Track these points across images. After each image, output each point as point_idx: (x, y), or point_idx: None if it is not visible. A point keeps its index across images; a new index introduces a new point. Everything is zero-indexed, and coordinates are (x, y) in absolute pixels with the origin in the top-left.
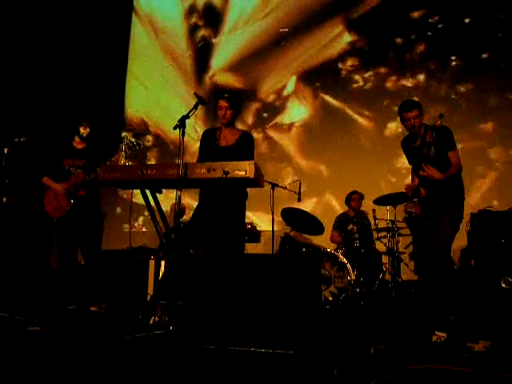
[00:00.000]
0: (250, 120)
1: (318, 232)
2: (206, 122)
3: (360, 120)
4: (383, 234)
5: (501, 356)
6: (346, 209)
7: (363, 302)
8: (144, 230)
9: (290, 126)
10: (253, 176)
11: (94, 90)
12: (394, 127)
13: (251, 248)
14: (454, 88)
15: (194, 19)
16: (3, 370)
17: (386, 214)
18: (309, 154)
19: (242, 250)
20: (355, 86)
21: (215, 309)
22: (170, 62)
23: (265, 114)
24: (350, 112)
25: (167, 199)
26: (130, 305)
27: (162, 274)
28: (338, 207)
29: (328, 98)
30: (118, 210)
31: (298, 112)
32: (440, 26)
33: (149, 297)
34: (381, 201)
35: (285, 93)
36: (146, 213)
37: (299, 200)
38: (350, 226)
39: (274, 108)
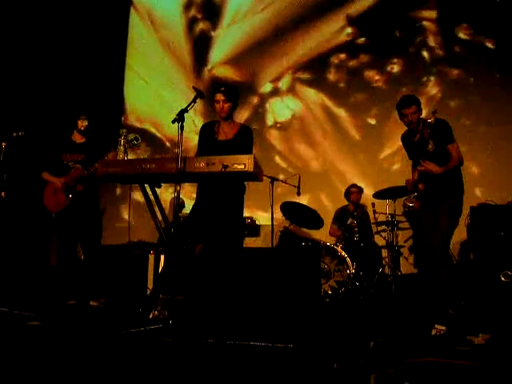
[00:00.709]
0: (245, 114)
1: (318, 226)
2: (205, 116)
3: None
4: (382, 227)
5: (500, 349)
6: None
7: (363, 295)
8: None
9: (280, 122)
10: (252, 170)
11: (92, 84)
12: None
13: (251, 242)
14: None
15: (192, 12)
16: (3, 364)
17: (385, 207)
18: (298, 150)
19: (241, 244)
20: (351, 80)
21: (215, 303)
22: (168, 56)
23: (260, 109)
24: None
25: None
26: (129, 299)
27: (162, 269)
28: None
29: (322, 95)
30: (116, 204)
31: (290, 107)
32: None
33: (148, 291)
34: (380, 195)
35: (280, 87)
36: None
37: (298, 194)
38: (350, 220)
39: (267, 102)
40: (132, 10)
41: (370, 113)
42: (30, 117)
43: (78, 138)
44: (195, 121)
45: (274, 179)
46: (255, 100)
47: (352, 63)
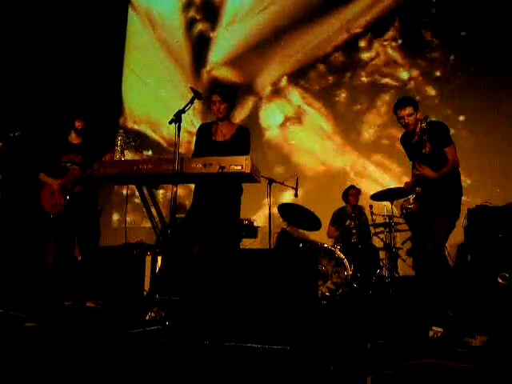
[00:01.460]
0: (244, 115)
1: (315, 227)
2: (204, 116)
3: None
4: (380, 229)
5: (498, 351)
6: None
7: (360, 297)
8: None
9: (279, 123)
10: (249, 171)
11: (89, 84)
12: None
13: (248, 244)
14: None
15: (191, 13)
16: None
17: (383, 209)
18: (297, 151)
19: (238, 245)
20: (349, 82)
21: (211, 304)
22: (167, 57)
23: (258, 110)
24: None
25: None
26: (126, 300)
27: (159, 270)
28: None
29: (320, 96)
30: (114, 204)
31: (288, 108)
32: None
33: (145, 292)
34: (378, 196)
35: (278, 89)
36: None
37: (296, 195)
38: (348, 222)
39: (266, 103)
40: (130, 10)
41: (368, 114)
42: (26, 117)
43: (75, 139)
44: (193, 121)
45: (271, 181)
46: (254, 101)
47: (351, 65)
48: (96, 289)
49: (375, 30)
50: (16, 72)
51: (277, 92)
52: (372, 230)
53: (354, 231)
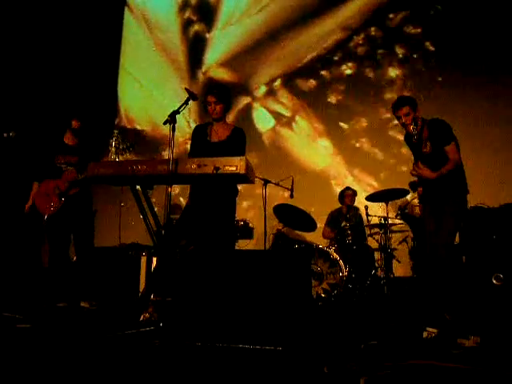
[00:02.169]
0: (239, 116)
1: (311, 229)
2: (199, 118)
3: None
4: (375, 230)
5: (491, 352)
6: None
7: (355, 298)
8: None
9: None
10: (244, 172)
11: (85, 85)
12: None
13: (244, 245)
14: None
15: (187, 14)
16: None
17: (378, 210)
18: (292, 152)
19: (233, 246)
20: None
21: (205, 305)
22: (163, 58)
23: (253, 111)
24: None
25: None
26: (121, 302)
27: (153, 271)
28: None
29: (316, 97)
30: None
31: (283, 109)
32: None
33: (140, 293)
34: (373, 197)
35: (273, 89)
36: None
37: (291, 196)
38: (343, 223)
39: (261, 104)
40: (126, 11)
41: (365, 116)
42: (21, 118)
43: (70, 140)
44: (190, 122)
45: (266, 181)
46: (249, 102)
47: (345, 66)
48: (90, 290)
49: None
50: (11, 73)
51: (271, 93)
52: (367, 230)
53: (349, 232)
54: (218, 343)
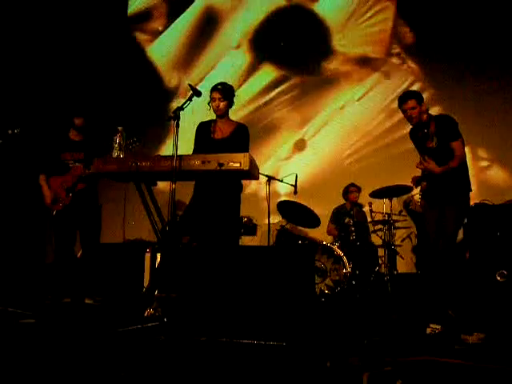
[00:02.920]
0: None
1: (314, 225)
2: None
3: None
4: (379, 226)
5: (495, 348)
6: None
7: (359, 294)
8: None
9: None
10: (247, 168)
11: (90, 81)
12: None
13: (248, 241)
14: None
15: None
16: None
17: (382, 206)
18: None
19: (237, 242)
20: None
21: (209, 301)
22: None
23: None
24: None
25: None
26: (125, 297)
27: (157, 267)
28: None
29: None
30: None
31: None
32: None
33: (144, 289)
34: (377, 194)
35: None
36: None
37: (295, 193)
38: (347, 219)
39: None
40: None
41: (370, 111)
42: (26, 114)
43: (75, 136)
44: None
45: (270, 178)
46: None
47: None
48: (95, 286)
49: None
50: (15, 69)
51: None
52: (371, 227)
53: (352, 229)
54: (222, 338)
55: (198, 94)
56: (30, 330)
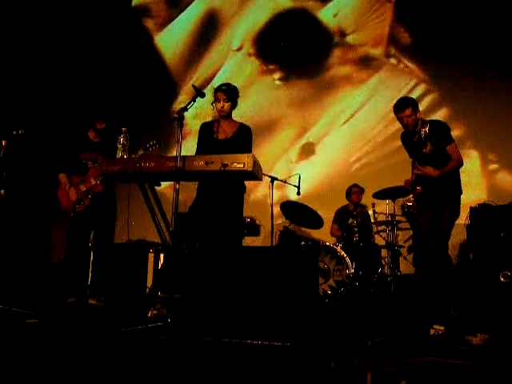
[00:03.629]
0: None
1: (318, 226)
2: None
3: None
4: (382, 227)
5: (498, 349)
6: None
7: (362, 295)
8: None
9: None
10: (251, 169)
11: (99, 82)
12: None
13: (251, 242)
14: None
15: None
16: (1, 362)
17: (385, 207)
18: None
19: (240, 243)
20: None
21: (213, 301)
22: None
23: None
24: None
25: None
26: (129, 298)
27: (160, 267)
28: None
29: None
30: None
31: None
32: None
33: (148, 290)
34: (380, 194)
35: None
36: None
37: (298, 193)
38: (350, 220)
39: None
40: None
41: (373, 110)
42: (35, 115)
43: (94, 137)
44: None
45: (273, 178)
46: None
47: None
48: (98, 286)
49: None
50: (26, 68)
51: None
52: (374, 228)
53: (355, 229)
54: (227, 338)
55: (201, 95)
56: (35, 329)
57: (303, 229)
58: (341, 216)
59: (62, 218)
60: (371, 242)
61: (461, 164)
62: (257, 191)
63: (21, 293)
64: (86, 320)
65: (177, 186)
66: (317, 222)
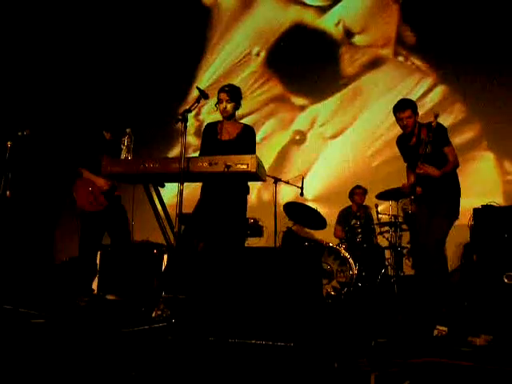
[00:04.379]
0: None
1: (321, 226)
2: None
3: None
4: (385, 228)
5: (502, 350)
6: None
7: (365, 296)
8: None
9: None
10: (254, 170)
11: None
12: None
13: (254, 243)
14: None
15: None
16: (8, 362)
17: (388, 208)
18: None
19: (243, 244)
20: None
21: (217, 302)
22: None
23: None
24: None
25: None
26: (133, 298)
27: (164, 268)
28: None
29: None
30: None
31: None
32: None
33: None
34: (383, 196)
35: None
36: None
37: (301, 194)
38: (353, 221)
39: None
40: None
41: (376, 111)
42: (40, 115)
43: (110, 137)
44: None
45: (277, 179)
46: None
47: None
48: (104, 286)
49: None
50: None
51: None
52: (377, 229)
53: (359, 230)
54: (230, 339)
55: (205, 96)
56: (40, 330)
57: (306, 230)
58: (344, 217)
59: (69, 219)
60: (374, 242)
61: (457, 165)
62: (260, 192)
63: (26, 293)
64: (90, 320)
65: (181, 187)
66: (320, 222)
